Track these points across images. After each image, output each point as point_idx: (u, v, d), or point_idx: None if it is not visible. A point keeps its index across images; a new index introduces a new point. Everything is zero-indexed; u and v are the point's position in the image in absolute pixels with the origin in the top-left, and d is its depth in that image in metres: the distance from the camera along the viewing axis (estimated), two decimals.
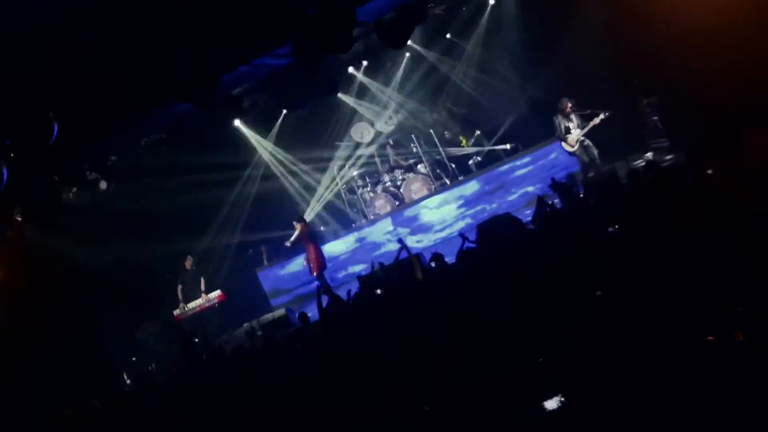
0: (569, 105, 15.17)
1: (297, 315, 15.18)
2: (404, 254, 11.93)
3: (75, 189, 13.30)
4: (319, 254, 15.90)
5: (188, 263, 16.58)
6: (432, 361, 7.25)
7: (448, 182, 17.82)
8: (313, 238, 15.85)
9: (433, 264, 11.22)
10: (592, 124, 14.95)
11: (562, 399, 4.93)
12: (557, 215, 10.56)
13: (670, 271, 5.99)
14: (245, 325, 15.35)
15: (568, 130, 15.32)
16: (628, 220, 8.23)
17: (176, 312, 16.29)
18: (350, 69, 18.18)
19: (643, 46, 14.88)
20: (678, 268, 5.90)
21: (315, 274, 15.70)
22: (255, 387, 8.24)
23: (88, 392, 12.22)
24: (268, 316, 15.17)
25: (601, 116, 14.81)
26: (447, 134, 18.31)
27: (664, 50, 14.67)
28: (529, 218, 10.93)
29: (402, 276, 11.16)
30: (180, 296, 16.33)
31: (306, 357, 9.05)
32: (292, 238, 16.10)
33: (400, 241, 11.72)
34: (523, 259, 8.87)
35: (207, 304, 16.44)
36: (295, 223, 15.96)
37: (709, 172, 8.32)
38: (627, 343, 5.27)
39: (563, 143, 15.48)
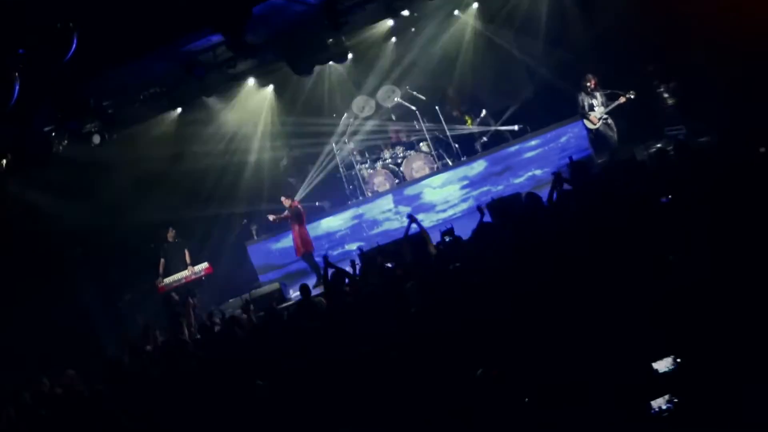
0: (594, 81, 14.90)
1: (291, 289, 14.82)
2: (413, 231, 11.49)
3: (66, 142, 12.62)
4: (306, 234, 15.36)
5: (170, 235, 16.09)
6: (454, 334, 6.78)
7: (450, 162, 17.26)
8: (299, 218, 15.23)
9: (447, 239, 10.71)
10: (617, 102, 14.74)
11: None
12: (574, 193, 10.19)
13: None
14: (243, 296, 14.72)
15: (591, 107, 15.04)
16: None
17: (162, 281, 15.74)
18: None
19: (664, 28, 14.51)
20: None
21: (300, 254, 15.18)
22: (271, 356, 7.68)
23: (65, 360, 11.67)
24: (262, 290, 14.57)
25: (629, 95, 14.57)
26: (455, 113, 17.69)
27: (686, 32, 14.32)
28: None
29: (414, 250, 10.65)
30: (161, 270, 15.79)
31: (316, 328, 8.46)
32: (281, 215, 15.46)
33: (410, 216, 11.19)
34: (542, 235, 8.47)
35: (193, 277, 15.91)
36: (283, 199, 15.35)
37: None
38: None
39: (585, 120, 15.21)
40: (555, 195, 10.11)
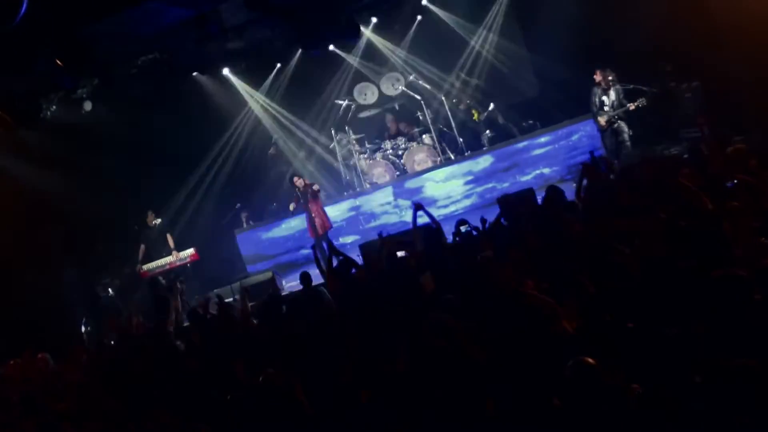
0: (602, 76, 14.12)
1: (284, 280, 14.15)
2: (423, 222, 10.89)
3: (55, 108, 11.92)
4: (324, 214, 14.65)
5: (150, 219, 15.43)
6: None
7: (452, 157, 16.69)
8: (315, 197, 14.55)
9: (464, 228, 10.11)
10: (626, 108, 14.00)
11: None
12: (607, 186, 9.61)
13: None
14: (232, 285, 14.07)
15: (602, 105, 14.28)
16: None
17: (142, 268, 15.11)
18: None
19: (689, 24, 14.06)
20: None
21: (319, 234, 14.39)
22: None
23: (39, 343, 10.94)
24: (254, 278, 13.90)
25: (638, 103, 13.86)
26: (462, 105, 17.11)
27: (714, 29, 13.87)
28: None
29: (427, 241, 10.04)
30: (140, 255, 15.22)
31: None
32: (296, 204, 14.73)
33: (417, 204, 10.59)
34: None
35: (178, 263, 15.25)
36: (296, 179, 14.63)
37: None
38: None
39: (596, 118, 14.51)
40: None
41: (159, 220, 15.45)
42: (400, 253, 10.04)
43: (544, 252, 7.17)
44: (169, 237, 15.38)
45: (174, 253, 15.17)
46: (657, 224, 6.51)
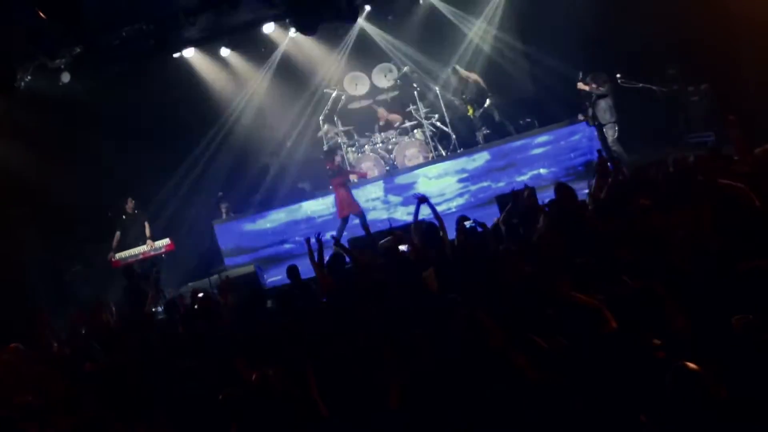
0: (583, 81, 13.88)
1: (266, 275, 13.48)
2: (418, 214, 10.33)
3: (30, 77, 11.19)
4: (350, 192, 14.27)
5: (129, 206, 14.79)
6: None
7: (444, 153, 16.15)
8: (343, 174, 14.22)
9: (467, 224, 9.53)
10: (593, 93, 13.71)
11: None
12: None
13: None
14: (211, 278, 13.45)
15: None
16: None
17: (114, 257, 14.46)
18: None
19: (702, 24, 13.64)
20: None
21: (346, 214, 14.01)
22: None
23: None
24: (235, 272, 13.22)
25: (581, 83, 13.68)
26: (457, 101, 16.54)
27: (724, 29, 13.47)
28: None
29: (425, 237, 9.45)
30: (114, 243, 14.57)
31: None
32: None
33: (421, 197, 10.13)
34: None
35: (152, 253, 14.64)
36: (328, 156, 14.16)
37: None
38: None
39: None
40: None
41: (136, 209, 14.84)
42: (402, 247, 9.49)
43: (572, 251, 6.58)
44: (146, 225, 14.80)
45: (149, 242, 14.58)
46: (704, 221, 5.99)
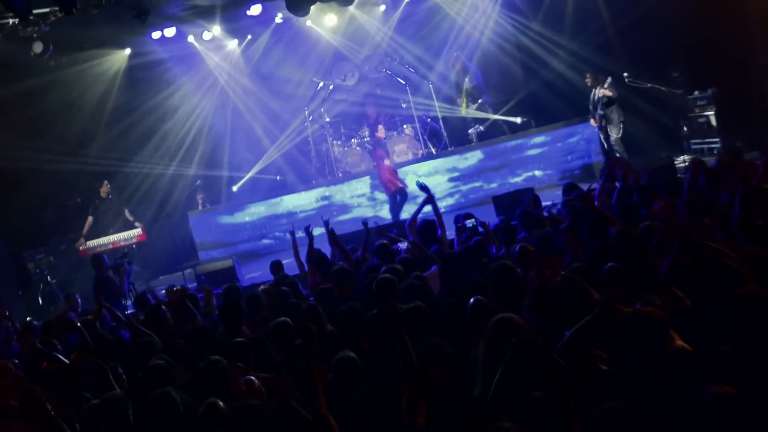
0: (592, 79, 13.40)
1: (244, 270, 12.82)
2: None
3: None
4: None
5: (104, 190, 14.30)
6: None
7: (433, 151, 15.59)
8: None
9: (468, 223, 8.94)
10: (601, 98, 13.17)
11: None
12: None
13: None
14: (185, 271, 12.98)
15: (595, 107, 13.51)
16: None
17: (81, 246, 13.87)
18: None
19: (715, 25, 13.24)
20: None
21: (394, 189, 13.43)
22: None
23: None
24: (211, 266, 12.53)
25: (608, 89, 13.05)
26: (459, 100, 15.92)
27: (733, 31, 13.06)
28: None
29: (422, 236, 8.84)
30: (85, 230, 14.07)
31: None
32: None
33: (424, 188, 9.50)
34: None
35: (122, 243, 14.02)
36: (380, 126, 13.66)
37: None
38: None
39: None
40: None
41: (110, 194, 14.34)
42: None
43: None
44: (126, 211, 14.40)
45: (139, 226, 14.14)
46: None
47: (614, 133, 13.17)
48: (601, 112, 13.21)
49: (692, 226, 6.19)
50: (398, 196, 13.44)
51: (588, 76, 13.47)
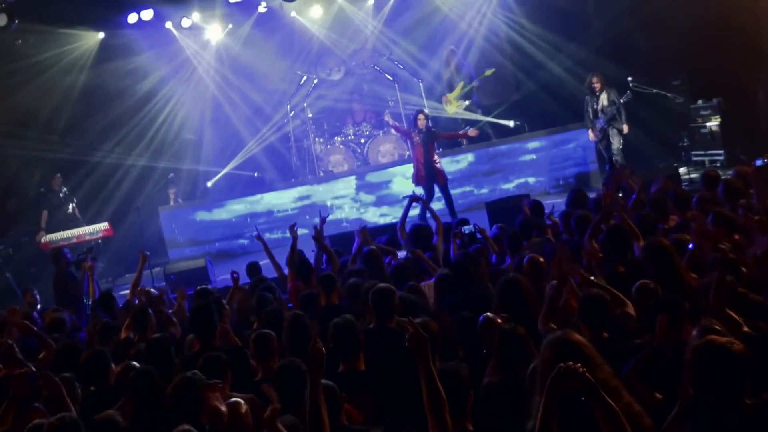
0: (601, 83, 12.69)
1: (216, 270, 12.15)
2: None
3: None
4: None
5: (56, 183, 14.04)
6: None
7: None
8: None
9: (466, 229, 8.34)
10: (617, 105, 12.49)
11: None
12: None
13: None
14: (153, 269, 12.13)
15: (595, 114, 12.82)
16: None
17: (42, 239, 13.32)
18: None
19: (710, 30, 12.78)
20: None
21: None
22: None
23: None
24: (182, 265, 11.86)
25: (624, 98, 12.43)
26: (445, 99, 15.26)
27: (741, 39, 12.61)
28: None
29: (415, 242, 8.22)
30: (42, 223, 13.75)
31: None
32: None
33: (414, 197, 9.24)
34: None
35: (87, 237, 13.34)
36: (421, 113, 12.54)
37: None
38: None
39: (588, 128, 13.09)
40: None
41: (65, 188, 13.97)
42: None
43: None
44: (72, 207, 14.02)
45: (81, 225, 13.64)
46: None
47: (617, 142, 12.56)
48: (606, 125, 12.58)
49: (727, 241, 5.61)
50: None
51: (595, 78, 12.66)
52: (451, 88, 15.01)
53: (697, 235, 5.72)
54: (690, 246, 5.62)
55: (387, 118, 13.09)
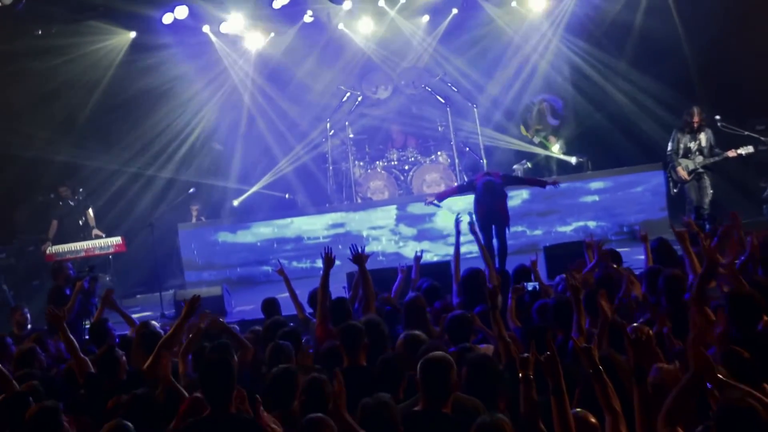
0: (700, 118, 11.68)
1: (233, 301, 11.49)
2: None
3: None
4: None
5: (64, 191, 13.62)
6: None
7: None
8: None
9: (530, 285, 7.18)
10: (724, 155, 11.55)
11: None
12: None
13: None
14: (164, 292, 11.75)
15: (687, 153, 11.74)
16: None
17: (48, 250, 12.69)
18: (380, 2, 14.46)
19: None
20: None
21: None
22: None
23: None
24: (197, 292, 10.72)
25: (743, 150, 11.48)
26: (530, 133, 14.47)
27: None
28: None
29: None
30: (50, 234, 13.35)
31: None
32: None
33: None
34: None
35: (98, 252, 12.81)
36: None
37: None
38: None
39: (672, 170, 11.99)
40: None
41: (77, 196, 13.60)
42: None
43: None
44: (89, 213, 13.61)
45: (94, 231, 13.30)
46: None
47: (710, 188, 11.57)
48: (701, 169, 11.61)
49: None
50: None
51: (695, 113, 11.60)
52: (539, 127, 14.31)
53: None
54: None
55: (430, 199, 11.77)
